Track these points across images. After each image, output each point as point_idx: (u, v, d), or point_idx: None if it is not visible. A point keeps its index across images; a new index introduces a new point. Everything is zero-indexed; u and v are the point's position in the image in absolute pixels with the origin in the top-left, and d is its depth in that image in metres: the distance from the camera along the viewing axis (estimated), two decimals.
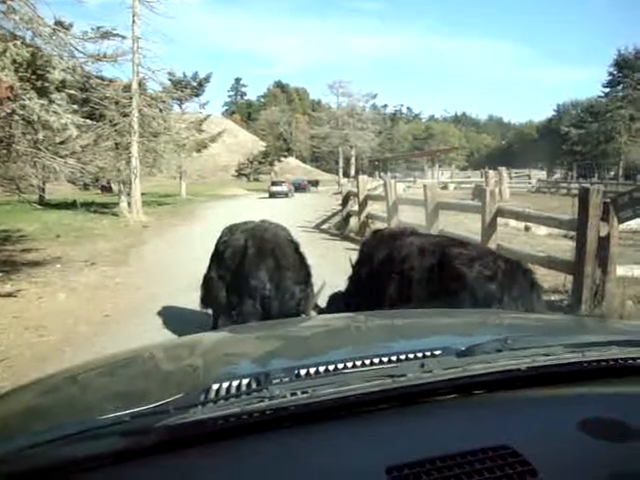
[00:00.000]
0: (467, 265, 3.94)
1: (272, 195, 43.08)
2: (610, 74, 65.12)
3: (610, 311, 6.02)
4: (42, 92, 8.74)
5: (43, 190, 22.79)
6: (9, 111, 8.20)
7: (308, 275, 5.30)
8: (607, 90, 66.14)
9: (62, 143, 10.98)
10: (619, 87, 64.74)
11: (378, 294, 4.37)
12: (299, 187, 51.00)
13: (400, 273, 4.30)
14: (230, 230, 5.92)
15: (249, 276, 5.25)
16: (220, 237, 5.98)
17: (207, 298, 6.04)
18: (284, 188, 44.90)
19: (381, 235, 5.03)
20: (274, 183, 46.78)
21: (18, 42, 8.41)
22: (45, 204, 23.47)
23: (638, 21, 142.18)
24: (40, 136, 9.55)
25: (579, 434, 1.00)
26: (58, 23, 10.96)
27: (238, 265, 5.48)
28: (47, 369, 4.44)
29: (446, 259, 4.08)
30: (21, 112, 8.36)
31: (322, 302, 5.22)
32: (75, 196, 28.53)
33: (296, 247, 5.42)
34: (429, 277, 4.12)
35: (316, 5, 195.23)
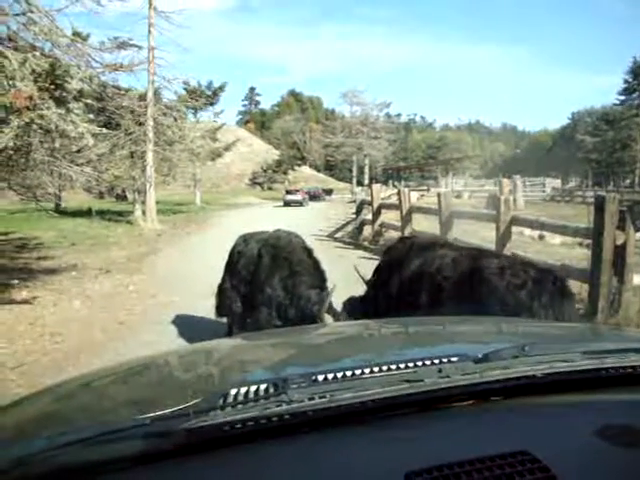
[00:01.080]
0: (498, 275, 3.93)
1: (287, 204, 43.16)
2: (626, 82, 64.80)
3: (627, 320, 5.96)
4: (60, 101, 8.84)
5: (59, 198, 23.14)
6: (28, 120, 8.29)
7: (323, 280, 5.31)
8: (623, 98, 65.82)
9: (78, 152, 11.10)
10: (635, 95, 64.34)
11: (406, 301, 4.36)
12: (313, 196, 51.07)
13: (432, 282, 4.28)
14: (244, 239, 5.95)
15: (264, 284, 5.28)
16: (234, 246, 6.00)
17: (221, 307, 6.06)
18: (298, 197, 44.95)
19: (411, 243, 4.99)
20: (288, 192, 46.86)
21: (37, 53, 8.51)
22: (61, 212, 23.71)
23: None
24: (57, 145, 9.66)
25: (598, 440, 0.99)
26: (76, 34, 11.10)
27: (253, 274, 5.51)
28: (62, 375, 4.47)
29: (477, 269, 4.08)
30: (39, 121, 8.46)
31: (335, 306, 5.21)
32: (90, 204, 28.77)
33: (310, 253, 5.43)
34: (461, 287, 4.11)
35: (329, 13, 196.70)
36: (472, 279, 4.08)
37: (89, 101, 12.18)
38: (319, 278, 5.29)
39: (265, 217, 24.07)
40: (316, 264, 5.37)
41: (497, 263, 4.09)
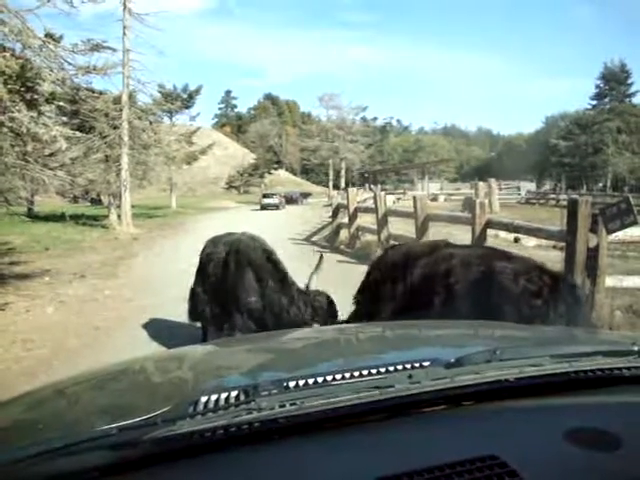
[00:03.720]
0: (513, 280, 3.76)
1: (264, 207, 43.16)
2: (597, 87, 66.00)
3: (599, 321, 6.03)
4: (31, 104, 8.72)
5: (32, 202, 22.77)
6: None
7: (285, 277, 5.34)
8: (594, 102, 66.93)
9: (51, 155, 10.95)
10: (606, 100, 65.55)
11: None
12: (291, 199, 51.24)
13: (442, 289, 4.03)
14: (213, 242, 5.92)
15: (233, 289, 5.28)
16: (203, 249, 5.97)
17: (194, 311, 6.02)
18: (275, 200, 45.08)
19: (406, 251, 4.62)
20: (265, 195, 47.03)
21: (7, 54, 8.40)
22: (34, 216, 23.38)
23: (625, 34, 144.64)
24: (29, 148, 9.52)
25: (567, 444, 1.00)
26: (48, 35, 10.97)
27: (220, 278, 5.50)
28: (35, 383, 4.39)
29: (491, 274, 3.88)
30: (10, 124, 8.33)
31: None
32: (64, 208, 28.40)
33: (269, 255, 5.43)
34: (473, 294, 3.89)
35: (308, 17, 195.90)
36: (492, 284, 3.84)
37: (62, 104, 12.03)
38: (281, 278, 5.32)
39: (241, 221, 23.98)
40: (276, 264, 5.39)
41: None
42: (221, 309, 5.50)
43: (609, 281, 6.53)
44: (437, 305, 4.02)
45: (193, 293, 5.99)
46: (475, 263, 4.05)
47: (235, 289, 5.27)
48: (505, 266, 3.92)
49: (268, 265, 5.35)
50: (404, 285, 4.32)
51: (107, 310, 8.43)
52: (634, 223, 6.17)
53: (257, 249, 5.47)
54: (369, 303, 4.59)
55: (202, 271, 5.84)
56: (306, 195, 58.70)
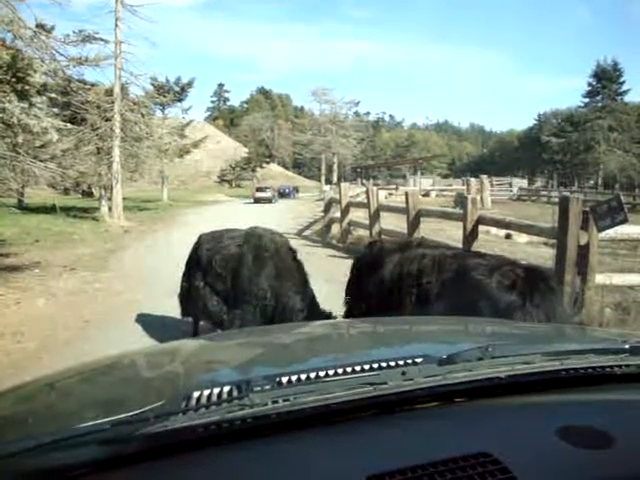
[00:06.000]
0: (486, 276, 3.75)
1: (257, 201, 43.37)
2: (589, 85, 66.19)
3: (589, 319, 6.07)
4: (22, 95, 8.65)
5: (22, 194, 22.60)
6: None
7: (305, 282, 5.32)
8: (586, 100, 67.15)
9: (42, 147, 10.90)
10: (598, 97, 65.72)
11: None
12: (283, 193, 51.51)
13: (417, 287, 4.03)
14: (213, 237, 5.86)
15: (250, 283, 5.24)
16: (199, 244, 5.91)
17: (189, 306, 5.97)
18: (268, 194, 45.48)
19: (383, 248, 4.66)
20: (258, 189, 47.33)
21: None
22: (24, 208, 23.19)
23: (618, 32, 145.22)
24: (20, 139, 9.45)
25: (558, 441, 1.01)
26: (40, 26, 10.90)
27: (234, 272, 5.44)
28: (24, 377, 4.36)
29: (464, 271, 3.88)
30: (0, 115, 8.26)
31: None
32: (55, 200, 28.22)
33: (294, 255, 5.43)
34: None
35: (303, 11, 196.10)
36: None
37: (53, 95, 11.95)
38: (302, 281, 5.30)
39: (234, 214, 23.95)
40: (299, 266, 5.38)
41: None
42: (228, 303, 5.46)
43: (599, 278, 6.57)
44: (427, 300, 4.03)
45: (187, 287, 5.94)
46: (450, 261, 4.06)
47: (254, 284, 5.23)
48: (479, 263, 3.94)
49: (294, 264, 5.36)
50: (385, 282, 4.30)
51: (97, 303, 8.39)
52: (624, 221, 6.19)
53: (284, 246, 5.48)
54: (356, 303, 4.60)
55: (201, 265, 5.77)
56: (298, 189, 58.78)
